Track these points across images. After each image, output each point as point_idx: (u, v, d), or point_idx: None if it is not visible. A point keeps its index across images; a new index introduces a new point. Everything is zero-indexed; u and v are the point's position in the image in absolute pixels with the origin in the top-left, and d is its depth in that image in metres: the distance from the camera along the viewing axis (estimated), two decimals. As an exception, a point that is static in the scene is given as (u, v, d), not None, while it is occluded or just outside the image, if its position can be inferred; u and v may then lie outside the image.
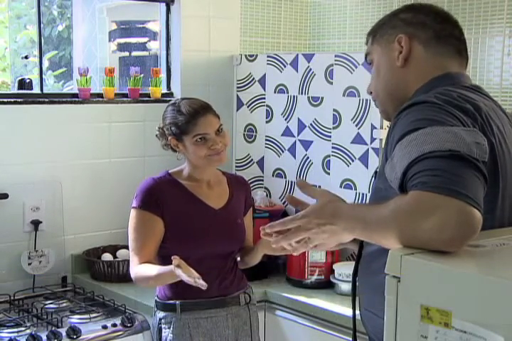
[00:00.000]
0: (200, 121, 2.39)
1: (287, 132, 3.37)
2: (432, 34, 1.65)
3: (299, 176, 3.33)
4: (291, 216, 1.54)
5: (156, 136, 2.51)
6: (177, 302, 2.41)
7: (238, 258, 2.55)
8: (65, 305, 2.88)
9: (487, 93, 1.65)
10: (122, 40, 4.35)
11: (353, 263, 1.72)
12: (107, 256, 3.17)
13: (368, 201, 1.72)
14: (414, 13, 1.69)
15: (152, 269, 2.30)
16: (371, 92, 1.78)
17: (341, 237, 1.49)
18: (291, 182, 3.38)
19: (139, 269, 2.35)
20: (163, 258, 2.43)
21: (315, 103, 3.24)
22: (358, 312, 1.72)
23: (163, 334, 2.44)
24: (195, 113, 2.40)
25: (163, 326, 2.44)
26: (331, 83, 3.16)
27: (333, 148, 3.17)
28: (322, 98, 3.20)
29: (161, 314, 2.45)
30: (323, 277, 2.97)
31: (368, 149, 3.02)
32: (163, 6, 3.49)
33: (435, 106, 1.44)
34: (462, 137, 1.34)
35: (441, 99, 1.46)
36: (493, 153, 1.44)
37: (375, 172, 1.65)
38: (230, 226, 2.50)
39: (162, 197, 2.39)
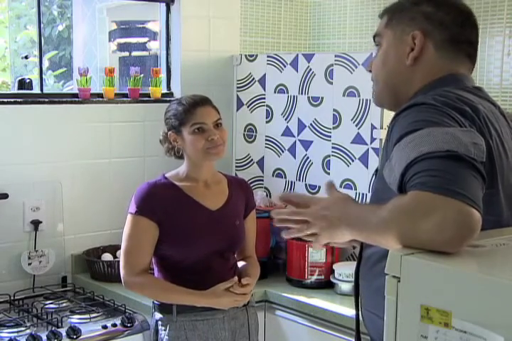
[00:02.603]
0: (199, 111, 2.42)
1: (287, 132, 3.37)
2: (448, 36, 1.62)
3: (299, 176, 3.33)
4: (299, 209, 1.53)
5: (160, 141, 2.53)
6: (173, 304, 2.41)
7: (241, 264, 2.56)
8: (65, 305, 2.88)
9: (488, 95, 1.65)
10: (122, 40, 4.35)
11: (353, 263, 1.72)
12: (107, 256, 3.17)
13: (368, 201, 1.71)
14: (436, 9, 1.63)
15: (179, 291, 2.38)
16: (370, 70, 1.75)
17: (343, 236, 1.49)
18: (291, 182, 3.38)
19: (149, 281, 2.41)
20: (161, 259, 2.44)
21: (315, 103, 3.24)
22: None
23: (159, 335, 2.44)
24: (194, 103, 2.44)
25: (160, 328, 2.44)
26: (331, 83, 3.16)
27: (333, 148, 3.17)
28: (322, 98, 3.20)
29: (158, 315, 2.45)
30: (323, 277, 2.97)
31: (367, 149, 3.02)
32: (163, 6, 3.49)
33: (433, 108, 1.44)
34: (459, 138, 1.34)
35: (439, 100, 1.46)
36: (491, 155, 1.44)
37: (376, 170, 1.65)
38: (228, 228, 2.49)
39: (157, 202, 2.40)
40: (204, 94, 2.54)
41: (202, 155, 2.43)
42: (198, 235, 2.42)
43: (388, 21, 1.69)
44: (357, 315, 1.72)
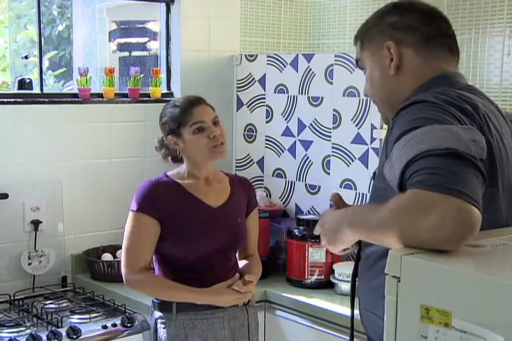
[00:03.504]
0: (196, 110, 2.43)
1: (287, 132, 3.37)
2: (421, 37, 1.64)
3: (299, 176, 3.33)
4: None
5: (156, 148, 2.54)
6: (173, 302, 2.41)
7: (243, 262, 2.55)
8: (65, 305, 2.88)
9: (483, 93, 1.65)
10: (122, 40, 4.35)
11: (352, 263, 1.72)
12: (107, 256, 3.17)
13: (367, 201, 1.73)
14: (400, 16, 1.66)
15: (179, 288, 2.38)
16: (367, 95, 1.79)
17: (346, 237, 1.50)
18: (291, 182, 3.38)
19: (150, 279, 2.41)
20: (162, 257, 2.44)
21: (315, 103, 3.24)
22: (356, 311, 1.73)
23: (158, 334, 2.44)
24: (190, 103, 2.45)
25: (159, 326, 2.44)
26: (331, 83, 3.16)
27: (333, 148, 3.17)
28: (322, 98, 3.20)
29: (157, 314, 2.45)
30: (323, 277, 2.97)
31: (367, 149, 3.02)
32: (163, 6, 3.49)
33: (433, 106, 1.44)
34: (459, 135, 1.34)
35: (439, 98, 1.46)
36: (491, 153, 1.44)
37: (374, 173, 1.66)
38: (229, 225, 2.49)
39: (159, 200, 2.40)
40: (204, 94, 2.54)
41: (208, 154, 2.42)
42: (200, 232, 2.42)
43: (361, 45, 1.72)
44: (352, 313, 1.72)
